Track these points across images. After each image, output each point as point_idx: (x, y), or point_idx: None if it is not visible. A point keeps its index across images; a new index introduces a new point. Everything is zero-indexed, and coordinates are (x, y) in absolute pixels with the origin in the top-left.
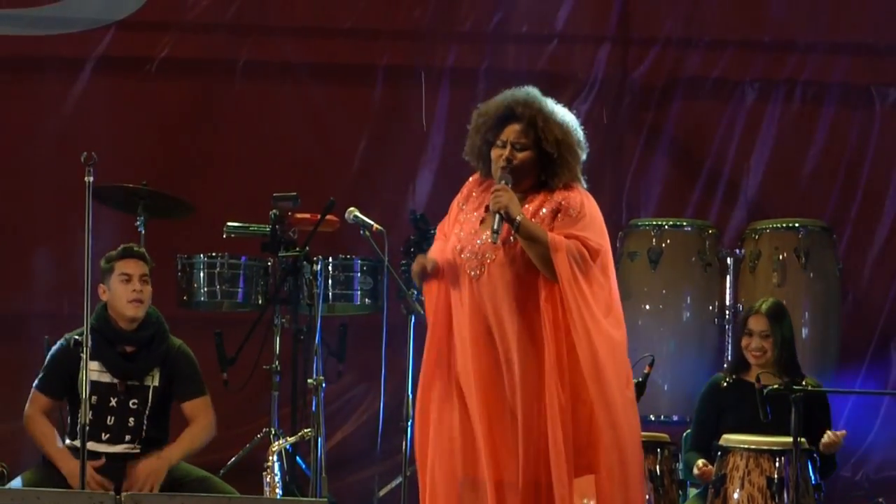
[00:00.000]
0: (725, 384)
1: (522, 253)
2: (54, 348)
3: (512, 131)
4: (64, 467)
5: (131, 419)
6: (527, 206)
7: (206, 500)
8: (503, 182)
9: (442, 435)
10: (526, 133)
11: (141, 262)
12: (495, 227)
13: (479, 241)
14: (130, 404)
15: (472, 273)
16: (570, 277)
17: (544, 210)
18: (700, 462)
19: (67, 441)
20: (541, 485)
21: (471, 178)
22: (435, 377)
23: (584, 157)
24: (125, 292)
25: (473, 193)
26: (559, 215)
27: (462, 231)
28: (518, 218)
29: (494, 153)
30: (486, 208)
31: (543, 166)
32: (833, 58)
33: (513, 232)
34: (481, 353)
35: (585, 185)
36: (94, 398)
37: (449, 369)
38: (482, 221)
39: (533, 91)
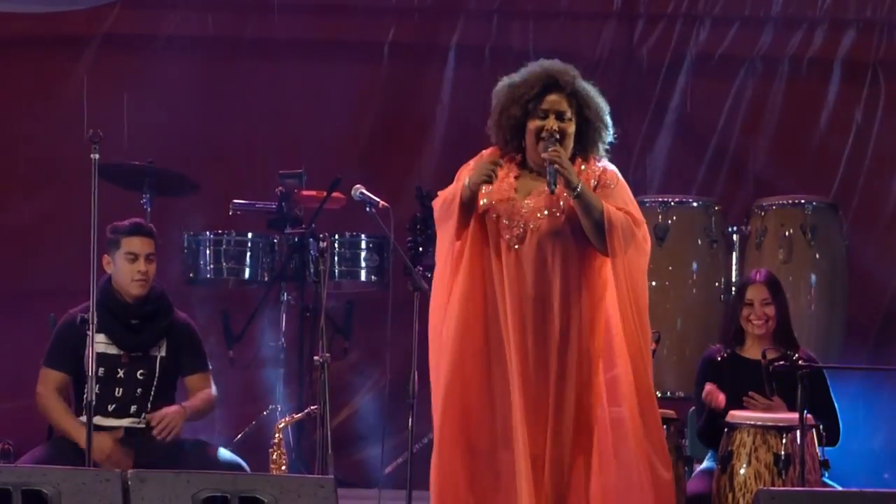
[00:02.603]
0: (720, 359)
1: (566, 223)
2: (60, 323)
3: (556, 101)
4: (80, 440)
5: (139, 390)
6: None
7: (211, 477)
8: (553, 148)
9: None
10: (569, 103)
11: (148, 240)
12: (552, 180)
13: (523, 208)
14: (138, 375)
15: (513, 243)
16: (623, 252)
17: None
18: (707, 386)
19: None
20: (565, 460)
21: (484, 152)
22: (472, 348)
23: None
24: (130, 272)
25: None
26: (598, 188)
27: (494, 201)
28: (579, 186)
29: (534, 124)
30: (517, 177)
31: (580, 137)
32: (839, 34)
33: (557, 203)
34: (519, 323)
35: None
36: (101, 370)
37: (485, 341)
38: (516, 189)
39: (563, 63)
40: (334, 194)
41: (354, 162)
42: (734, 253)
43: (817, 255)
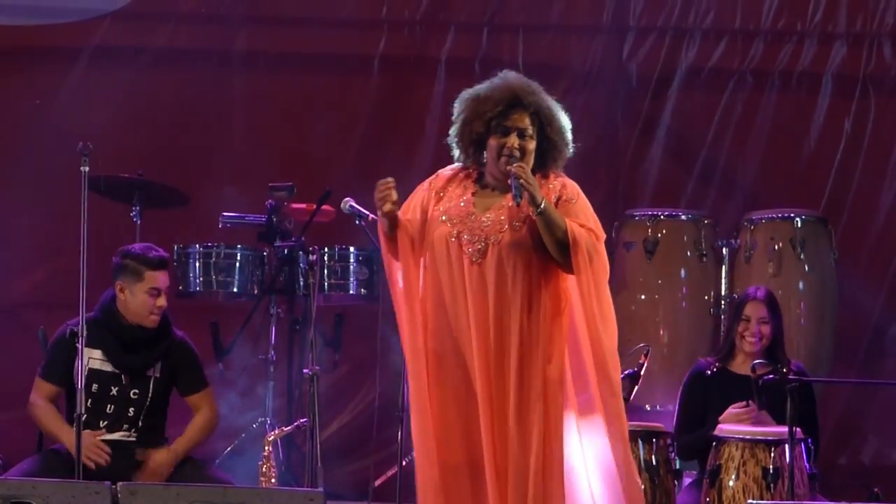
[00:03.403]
0: (710, 373)
1: (527, 235)
2: (56, 335)
3: (520, 119)
4: (69, 444)
5: (131, 409)
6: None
7: (201, 490)
8: (518, 163)
9: (446, 420)
10: (533, 122)
11: (168, 274)
12: (516, 193)
13: (484, 223)
14: (131, 394)
15: (475, 257)
16: (587, 269)
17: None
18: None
19: None
20: (532, 472)
21: (440, 172)
22: (433, 367)
23: None
24: (150, 306)
25: (453, 181)
26: (559, 203)
27: (454, 218)
28: (542, 203)
29: (497, 141)
30: (474, 193)
31: (541, 154)
32: (829, 48)
33: (518, 216)
34: (483, 336)
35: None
36: (94, 386)
37: (443, 356)
38: (474, 205)
39: (527, 79)
40: (324, 207)
41: (344, 175)
42: (724, 266)
43: (807, 269)
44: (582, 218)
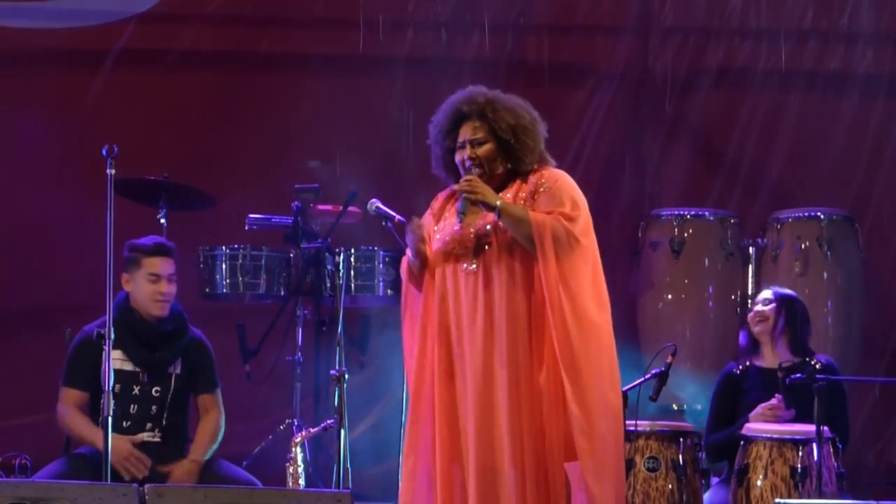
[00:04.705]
0: (739, 371)
1: (514, 241)
2: (75, 341)
3: (466, 130)
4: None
5: (153, 407)
6: (507, 193)
7: (228, 492)
8: (464, 178)
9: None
10: (480, 127)
11: (170, 260)
12: (461, 209)
13: (471, 233)
14: (153, 392)
15: (468, 267)
16: (555, 259)
17: (522, 194)
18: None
19: None
20: (527, 472)
21: (438, 195)
22: (433, 377)
23: (544, 134)
24: (152, 293)
25: (449, 201)
26: (537, 194)
27: (447, 233)
28: (497, 203)
29: (458, 157)
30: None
31: (507, 154)
32: (854, 47)
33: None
34: (482, 344)
35: (554, 164)
36: (117, 387)
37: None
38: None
39: (477, 88)
40: (350, 209)
41: (370, 176)
42: (750, 266)
43: (833, 268)
44: (556, 203)
